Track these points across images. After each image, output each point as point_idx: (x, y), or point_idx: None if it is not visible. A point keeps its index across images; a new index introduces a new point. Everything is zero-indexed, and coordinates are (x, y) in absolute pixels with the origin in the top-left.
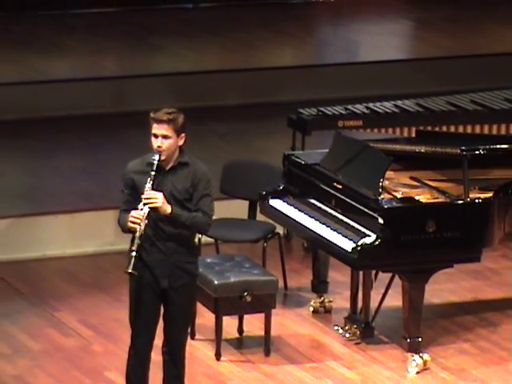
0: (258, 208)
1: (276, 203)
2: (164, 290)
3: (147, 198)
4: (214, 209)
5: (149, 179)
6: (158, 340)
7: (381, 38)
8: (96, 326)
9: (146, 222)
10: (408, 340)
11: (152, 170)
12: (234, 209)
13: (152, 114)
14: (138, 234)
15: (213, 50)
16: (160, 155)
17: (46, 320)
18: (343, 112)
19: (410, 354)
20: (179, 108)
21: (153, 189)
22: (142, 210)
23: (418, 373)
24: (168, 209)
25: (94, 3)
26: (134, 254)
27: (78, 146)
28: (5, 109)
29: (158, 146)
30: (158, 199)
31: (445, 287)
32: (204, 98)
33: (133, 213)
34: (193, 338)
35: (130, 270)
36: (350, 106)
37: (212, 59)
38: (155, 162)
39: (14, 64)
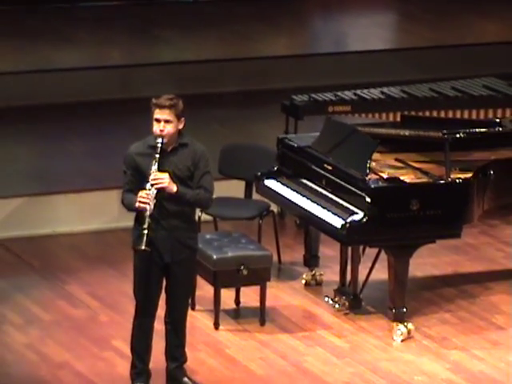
0: (254, 188)
1: (270, 183)
2: (167, 265)
3: (154, 179)
4: (211, 192)
5: (154, 161)
6: (161, 311)
7: (368, 30)
8: (103, 298)
9: (155, 201)
10: (393, 310)
11: (156, 153)
12: (231, 188)
13: (154, 101)
14: (147, 213)
15: (211, 41)
16: (163, 138)
17: (56, 292)
18: (333, 98)
19: (395, 324)
20: (180, 95)
21: (158, 170)
22: (149, 190)
23: (402, 341)
24: (174, 188)
25: None
26: (145, 231)
27: (86, 130)
28: (18, 96)
29: (161, 130)
30: (164, 179)
31: (427, 261)
32: (203, 86)
33: (141, 193)
34: (193, 308)
35: (143, 247)
36: (339, 93)
37: (211, 49)
38: (159, 145)
39: (27, 54)
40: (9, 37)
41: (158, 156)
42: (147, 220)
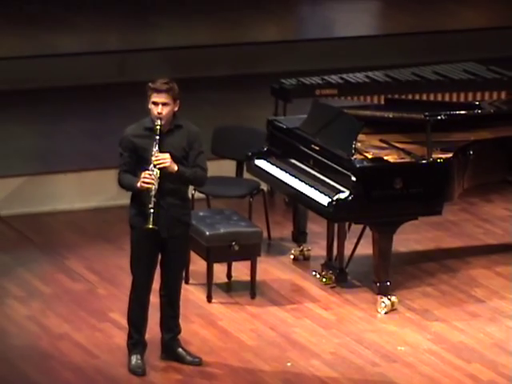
0: (245, 167)
1: (261, 163)
2: (163, 240)
3: (157, 160)
4: (206, 170)
5: (154, 143)
6: (155, 284)
7: (354, 16)
8: (101, 272)
9: (158, 181)
10: (378, 284)
11: (156, 135)
12: (223, 168)
13: (151, 85)
14: (153, 193)
15: (204, 27)
16: (161, 120)
17: (56, 267)
18: (320, 82)
19: (379, 297)
20: (174, 78)
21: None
22: (152, 170)
23: (386, 313)
24: (175, 167)
25: None
26: (151, 210)
27: (85, 112)
28: (20, 80)
29: (159, 113)
30: (166, 159)
31: (410, 237)
32: (197, 70)
33: (144, 174)
34: (187, 282)
35: (150, 226)
36: (326, 77)
37: (204, 35)
38: (158, 127)
39: (28, 39)
40: (10, 23)
41: (158, 138)
42: (153, 199)
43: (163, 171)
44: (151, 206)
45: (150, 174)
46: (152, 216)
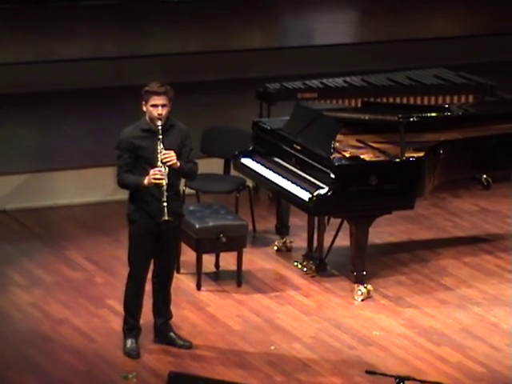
0: (232, 165)
1: (246, 161)
2: (159, 232)
3: (165, 157)
4: (198, 165)
5: (158, 142)
6: (148, 273)
7: (333, 25)
8: (98, 262)
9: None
10: (355, 273)
11: (159, 134)
12: (212, 166)
13: (150, 89)
14: (164, 187)
15: (194, 36)
16: (161, 120)
17: (57, 257)
18: (301, 86)
19: (356, 285)
20: (167, 83)
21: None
22: (161, 167)
23: (362, 300)
24: (178, 163)
25: None
26: (165, 204)
27: (84, 113)
28: (23, 83)
29: (159, 114)
30: (173, 156)
31: (385, 230)
32: (187, 75)
33: (154, 171)
34: (178, 271)
35: (166, 218)
36: (307, 81)
37: (193, 43)
38: (160, 127)
39: (31, 46)
40: (15, 31)
41: (161, 137)
42: (165, 193)
43: (169, 167)
44: (164, 199)
45: (160, 171)
46: (167, 209)
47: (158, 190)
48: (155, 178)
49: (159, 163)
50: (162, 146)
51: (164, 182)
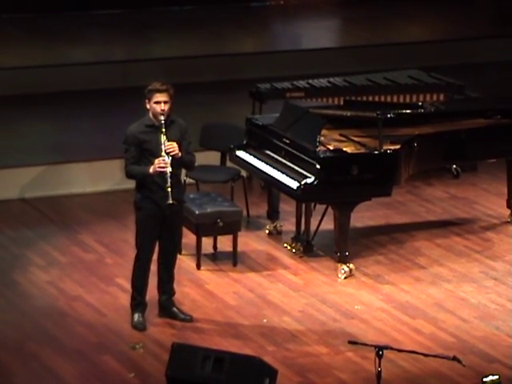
0: (228, 157)
1: (241, 154)
2: (165, 217)
3: (169, 148)
4: (196, 157)
5: (162, 135)
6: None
7: (318, 32)
8: (108, 245)
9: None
10: (338, 254)
11: (162, 128)
12: (209, 158)
13: (152, 87)
14: (168, 175)
15: (194, 41)
16: (164, 116)
17: (71, 240)
18: (290, 86)
19: (339, 264)
20: (169, 83)
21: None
22: (164, 157)
23: (345, 278)
24: (180, 153)
25: (106, 5)
26: (169, 189)
27: (95, 111)
28: (41, 84)
29: (162, 110)
30: (175, 147)
31: (365, 215)
32: (187, 76)
33: (159, 160)
34: (180, 253)
35: (171, 201)
36: (294, 82)
37: (193, 48)
38: (163, 122)
39: (46, 51)
40: (32, 38)
41: (164, 130)
42: (169, 180)
43: (172, 157)
44: (168, 185)
45: (164, 160)
46: (171, 193)
47: (161, 178)
48: (160, 167)
49: (163, 153)
50: (165, 138)
51: (168, 170)
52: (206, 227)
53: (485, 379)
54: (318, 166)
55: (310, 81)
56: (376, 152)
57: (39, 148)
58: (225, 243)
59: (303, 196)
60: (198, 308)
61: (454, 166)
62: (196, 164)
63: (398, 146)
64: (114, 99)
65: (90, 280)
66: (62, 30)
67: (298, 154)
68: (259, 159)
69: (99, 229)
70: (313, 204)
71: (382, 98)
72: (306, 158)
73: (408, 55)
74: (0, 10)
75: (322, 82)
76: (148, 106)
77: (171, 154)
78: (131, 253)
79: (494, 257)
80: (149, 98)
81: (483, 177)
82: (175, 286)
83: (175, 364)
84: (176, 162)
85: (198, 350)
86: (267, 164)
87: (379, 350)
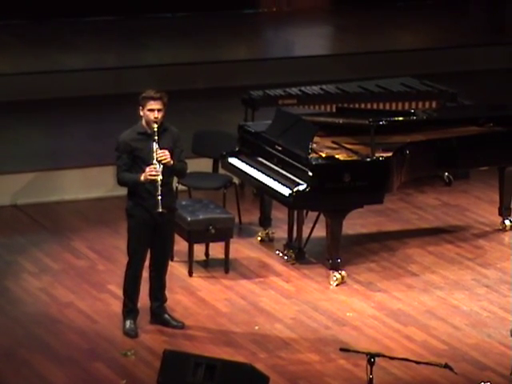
0: (220, 164)
1: (233, 161)
2: (156, 224)
3: (161, 156)
4: (187, 164)
5: (154, 143)
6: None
7: (310, 39)
8: (100, 251)
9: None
10: (330, 261)
11: (155, 135)
12: (202, 165)
13: (146, 95)
14: (159, 183)
15: (186, 48)
16: (157, 123)
17: (63, 247)
18: (282, 93)
19: (331, 272)
20: (161, 91)
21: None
22: (156, 165)
23: (337, 285)
24: (171, 161)
25: (98, 12)
26: (159, 197)
27: (87, 118)
28: (34, 91)
29: (155, 117)
30: (167, 155)
31: (357, 222)
32: (180, 83)
33: (150, 168)
34: (172, 259)
35: (160, 210)
36: (287, 89)
37: (185, 54)
38: (155, 130)
39: (41, 58)
40: (27, 45)
41: (156, 138)
42: (159, 188)
43: (164, 165)
44: (158, 193)
45: (155, 168)
46: (161, 202)
47: (153, 186)
48: (151, 175)
49: (154, 161)
50: (157, 146)
51: (159, 178)
52: (198, 234)
53: None
54: (310, 173)
55: (303, 88)
56: (368, 159)
57: (31, 154)
58: (217, 250)
59: (295, 203)
60: (189, 315)
61: (447, 174)
62: (188, 171)
63: (390, 154)
64: (107, 106)
65: (81, 287)
66: (54, 37)
67: (290, 161)
68: (251, 166)
69: (91, 235)
70: (305, 211)
71: (375, 106)
72: (299, 165)
73: (400, 63)
74: None
75: (315, 89)
76: (141, 113)
77: (163, 161)
78: (123, 259)
79: (486, 264)
80: (142, 105)
81: (475, 184)
82: (167, 292)
83: (167, 371)
84: (168, 170)
85: (190, 357)
86: (259, 171)
87: (371, 357)
